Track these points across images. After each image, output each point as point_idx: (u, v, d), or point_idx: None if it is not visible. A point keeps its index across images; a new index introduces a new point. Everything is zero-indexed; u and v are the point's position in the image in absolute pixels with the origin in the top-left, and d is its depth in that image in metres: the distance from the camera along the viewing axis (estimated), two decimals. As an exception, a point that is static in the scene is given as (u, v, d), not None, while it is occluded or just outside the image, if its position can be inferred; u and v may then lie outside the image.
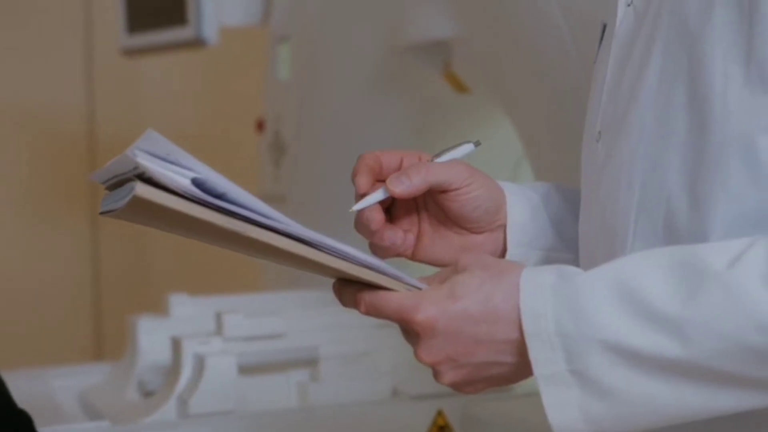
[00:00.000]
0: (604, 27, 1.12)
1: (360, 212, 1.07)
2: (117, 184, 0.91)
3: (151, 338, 1.82)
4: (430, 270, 1.06)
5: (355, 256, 0.96)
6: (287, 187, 2.27)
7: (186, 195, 0.89)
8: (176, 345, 1.69)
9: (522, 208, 1.12)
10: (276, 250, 0.93)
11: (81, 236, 3.42)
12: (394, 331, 1.76)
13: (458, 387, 0.97)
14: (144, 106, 3.42)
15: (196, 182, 0.89)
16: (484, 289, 0.94)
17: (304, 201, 2.22)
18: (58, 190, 3.38)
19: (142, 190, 0.87)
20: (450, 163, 1.07)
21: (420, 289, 0.97)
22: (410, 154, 1.09)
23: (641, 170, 0.98)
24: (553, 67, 1.62)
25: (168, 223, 0.93)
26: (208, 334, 1.73)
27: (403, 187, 1.05)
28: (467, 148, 1.10)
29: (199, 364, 1.66)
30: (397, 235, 1.09)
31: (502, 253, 1.12)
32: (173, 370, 1.69)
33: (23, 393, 1.70)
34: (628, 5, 1.05)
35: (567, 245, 1.14)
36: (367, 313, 0.97)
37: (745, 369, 0.89)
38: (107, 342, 3.42)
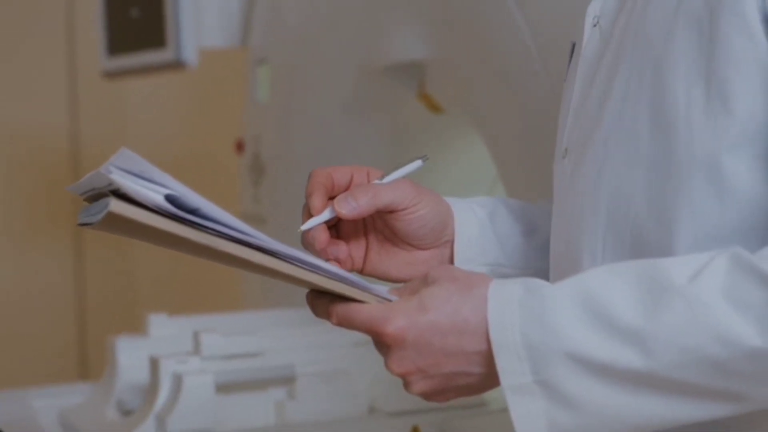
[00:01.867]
0: (573, 46, 1.14)
1: (306, 231, 1.09)
2: (95, 197, 0.94)
3: (130, 358, 1.83)
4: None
5: (326, 269, 0.99)
6: (267, 207, 2.28)
7: (160, 210, 0.91)
8: (154, 364, 1.70)
9: (469, 224, 1.15)
10: (250, 263, 0.96)
11: (65, 256, 3.43)
12: (370, 349, 1.78)
13: (428, 396, 1.00)
14: (127, 126, 3.43)
15: (169, 198, 0.91)
16: (453, 302, 0.96)
17: (283, 221, 2.23)
18: (42, 211, 3.39)
19: (116, 206, 0.89)
20: (397, 184, 1.09)
21: (390, 300, 0.99)
22: (360, 170, 1.11)
23: (607, 189, 1.01)
24: (523, 86, 1.64)
25: (144, 236, 0.95)
26: (186, 353, 1.74)
27: (349, 208, 1.07)
28: (416, 164, 1.12)
29: (177, 383, 1.67)
30: (341, 252, 1.11)
31: None
32: (151, 389, 1.70)
33: (4, 413, 1.72)
34: (594, 26, 1.08)
35: (511, 261, 1.17)
36: (339, 324, 1.00)
37: (705, 380, 0.91)
38: (92, 362, 3.43)
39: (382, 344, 0.98)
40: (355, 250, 1.13)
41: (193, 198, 0.92)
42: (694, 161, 0.95)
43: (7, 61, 3.34)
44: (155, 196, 0.91)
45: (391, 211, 1.09)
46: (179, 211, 0.92)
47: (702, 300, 0.90)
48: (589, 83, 1.06)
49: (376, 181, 1.10)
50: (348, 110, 2.09)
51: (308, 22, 2.16)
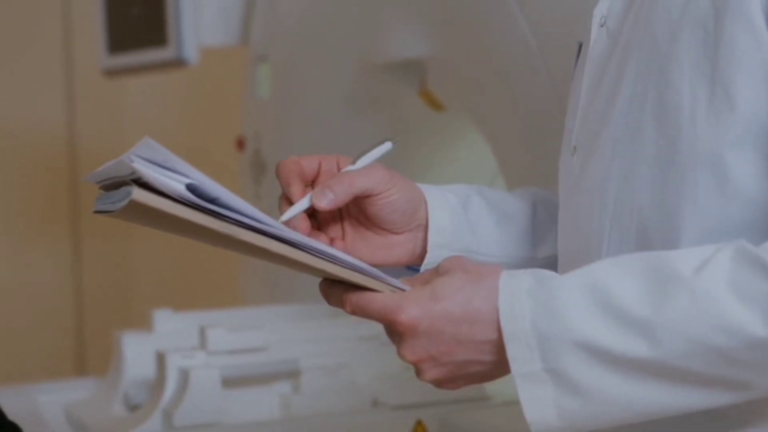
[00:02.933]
0: (580, 46, 1.16)
1: (287, 221, 1.09)
2: (112, 185, 0.95)
3: (136, 353, 1.85)
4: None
5: (341, 258, 1.01)
6: (268, 205, 2.30)
7: (180, 199, 0.93)
8: (161, 359, 1.72)
9: (442, 210, 1.15)
10: (266, 251, 0.98)
11: (62, 252, 3.44)
12: (374, 343, 1.81)
13: (439, 384, 1.02)
14: (124, 124, 3.44)
15: (190, 188, 0.93)
16: (465, 291, 0.98)
17: (284, 218, 2.25)
18: (40, 207, 3.40)
19: (138, 194, 0.91)
20: (370, 170, 1.10)
21: (404, 290, 1.01)
22: (328, 158, 1.12)
23: (614, 185, 1.03)
24: (523, 84, 1.66)
25: (163, 224, 0.97)
26: (191, 348, 1.76)
27: (327, 200, 1.07)
28: (385, 146, 1.12)
29: (184, 377, 1.69)
30: (322, 240, 1.11)
31: (422, 253, 1.15)
32: (158, 383, 1.72)
33: (10, 409, 1.73)
34: (601, 26, 1.10)
35: (485, 248, 1.17)
36: (353, 312, 1.02)
37: (711, 369, 0.93)
38: (90, 357, 3.44)
39: (395, 332, 1.00)
40: (333, 236, 1.13)
41: (213, 187, 0.94)
42: (698, 158, 0.98)
43: (4, 59, 3.35)
44: (177, 185, 0.92)
45: (366, 197, 1.10)
46: (199, 200, 0.93)
47: (707, 291, 0.92)
48: (597, 83, 1.08)
49: (349, 167, 1.10)
50: (349, 107, 2.10)
51: (308, 19, 2.18)
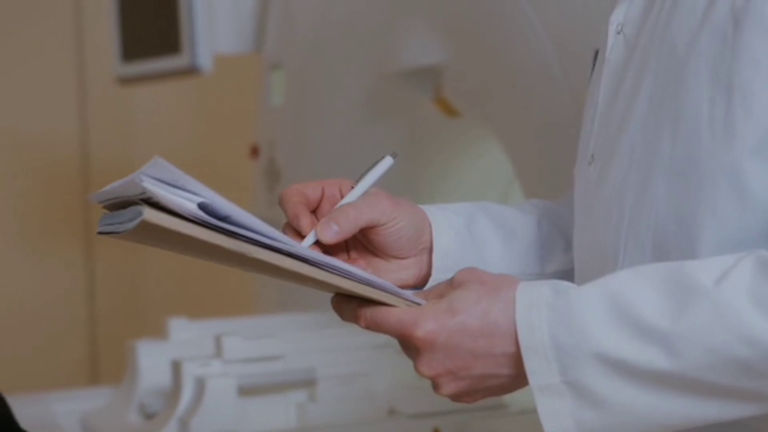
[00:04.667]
0: (596, 53, 1.16)
1: None
2: (117, 205, 0.94)
3: (151, 362, 1.85)
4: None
5: (356, 273, 1.00)
6: (282, 213, 2.29)
7: (192, 218, 0.92)
8: (176, 368, 1.72)
9: (446, 233, 1.15)
10: (280, 269, 0.97)
11: (75, 263, 3.44)
12: (390, 352, 1.81)
13: (457, 398, 1.01)
14: (137, 133, 3.44)
15: (202, 206, 0.92)
16: (482, 304, 0.97)
17: (298, 225, 2.24)
18: (53, 217, 3.40)
19: (150, 215, 0.90)
20: (374, 200, 1.08)
21: (419, 304, 1.00)
22: (331, 183, 1.11)
23: (630, 194, 1.03)
24: (541, 91, 1.66)
25: (173, 244, 0.96)
26: (207, 356, 1.76)
27: (332, 233, 1.06)
28: (386, 163, 1.11)
29: (200, 386, 1.69)
30: None
31: (426, 275, 1.14)
32: (174, 392, 1.72)
33: (25, 417, 1.73)
34: (618, 33, 1.09)
35: (490, 267, 1.16)
36: (368, 327, 1.01)
37: (731, 380, 0.93)
38: (103, 366, 3.44)
39: (412, 347, 0.99)
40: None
41: (224, 205, 0.93)
42: (716, 167, 0.97)
43: (17, 69, 3.35)
44: (188, 204, 0.92)
45: (371, 227, 1.09)
46: (212, 218, 0.93)
47: (728, 301, 0.91)
48: (614, 91, 1.07)
49: (350, 195, 1.09)
50: (363, 115, 2.10)
51: (322, 26, 2.18)
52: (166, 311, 2.22)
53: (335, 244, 1.11)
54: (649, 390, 0.94)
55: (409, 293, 1.01)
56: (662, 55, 1.02)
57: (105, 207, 0.97)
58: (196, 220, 0.92)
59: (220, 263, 1.00)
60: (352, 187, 1.10)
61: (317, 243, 1.09)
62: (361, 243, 1.12)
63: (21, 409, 1.76)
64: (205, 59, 2.30)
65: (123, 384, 1.90)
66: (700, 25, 0.99)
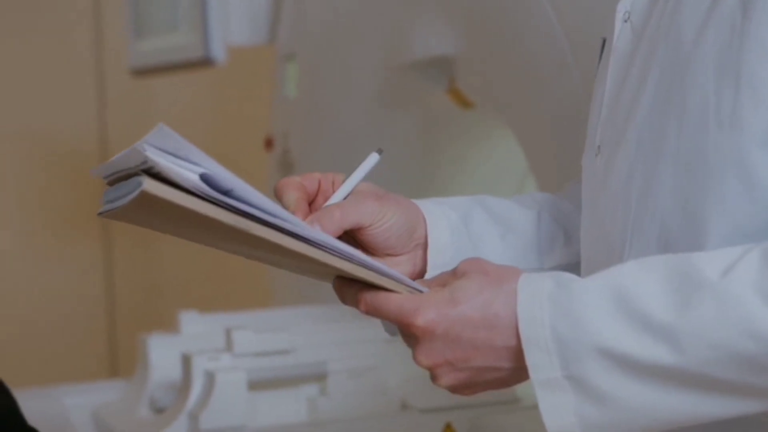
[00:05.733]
0: (604, 42, 1.13)
1: None
2: (119, 179, 0.91)
3: (162, 355, 1.84)
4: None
5: (359, 257, 0.98)
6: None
7: (193, 191, 0.88)
8: (186, 361, 1.70)
9: (441, 229, 1.12)
10: (280, 248, 0.93)
11: (94, 255, 3.44)
12: (401, 345, 1.78)
13: (455, 390, 0.99)
14: (156, 125, 3.44)
15: (203, 178, 0.88)
16: (484, 295, 0.95)
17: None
18: (71, 210, 3.41)
19: (150, 185, 0.86)
20: (359, 201, 1.06)
21: (421, 291, 0.98)
22: (326, 177, 1.09)
23: (636, 186, 1.00)
24: (554, 81, 1.64)
25: (169, 220, 0.92)
26: (217, 350, 1.74)
27: None
28: (372, 160, 1.09)
29: (209, 380, 1.67)
30: None
31: (421, 271, 1.12)
32: (183, 386, 1.71)
33: (36, 411, 1.72)
34: (625, 21, 1.07)
35: None
36: (367, 312, 0.99)
37: (738, 376, 0.90)
38: (122, 359, 3.45)
39: (411, 335, 0.98)
40: None
41: (227, 178, 0.89)
42: (723, 158, 0.94)
43: (36, 65, 3.36)
44: (190, 175, 0.88)
45: (357, 229, 1.07)
46: (213, 191, 0.89)
47: (734, 295, 0.89)
48: (621, 80, 1.05)
49: (336, 194, 1.07)
50: (376, 106, 2.08)
51: (335, 17, 2.16)
52: (186, 303, 2.22)
53: None
54: (654, 386, 0.92)
55: (411, 281, 0.99)
56: (669, 44, 0.99)
57: (108, 183, 0.93)
58: (197, 193, 0.88)
59: (217, 246, 0.97)
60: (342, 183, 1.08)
61: None
62: (352, 243, 1.10)
63: (33, 403, 1.76)
64: (218, 51, 2.29)
65: (134, 378, 1.90)
66: (707, 14, 0.97)
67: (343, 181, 1.08)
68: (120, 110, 3.43)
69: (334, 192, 1.08)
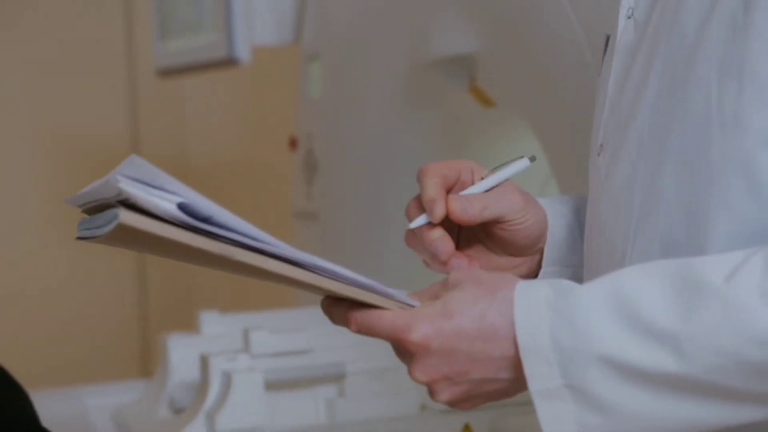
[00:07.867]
0: (608, 39, 1.11)
1: (430, 242, 1.04)
2: (96, 208, 0.90)
3: (182, 355, 1.84)
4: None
5: (345, 275, 0.95)
6: (319, 204, 2.28)
7: (172, 220, 0.88)
8: (204, 362, 1.70)
9: (559, 227, 1.12)
10: (265, 272, 0.93)
11: (127, 257, 3.45)
12: (420, 346, 1.78)
13: (455, 404, 0.97)
14: (186, 128, 3.45)
15: (181, 207, 0.88)
16: (479, 306, 0.93)
17: (336, 218, 2.23)
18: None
19: (126, 217, 0.86)
20: (506, 193, 1.06)
21: (412, 306, 0.96)
22: (466, 167, 1.07)
23: (639, 187, 0.98)
24: (574, 80, 1.62)
25: (154, 248, 0.92)
26: (236, 350, 1.74)
27: (461, 210, 1.03)
28: (522, 164, 1.09)
29: (227, 380, 1.67)
30: (463, 262, 1.06)
31: (535, 272, 1.11)
32: (201, 387, 1.70)
33: (57, 411, 1.73)
34: (629, 17, 1.05)
35: None
36: (359, 331, 0.97)
37: (742, 383, 0.88)
38: (154, 360, 3.46)
39: (406, 352, 0.96)
40: (472, 259, 1.09)
41: (206, 205, 0.89)
42: (727, 159, 0.92)
43: (67, 68, 3.37)
44: (167, 205, 0.87)
45: (498, 222, 1.06)
46: (192, 219, 0.88)
47: (738, 300, 0.87)
48: (624, 77, 1.03)
49: (477, 185, 1.06)
50: (399, 105, 2.08)
51: (358, 16, 2.16)
52: (218, 304, 2.22)
53: (447, 227, 1.07)
54: (657, 394, 0.90)
55: (402, 294, 0.97)
56: (672, 40, 0.97)
57: (84, 211, 0.93)
58: (176, 221, 0.88)
59: (206, 266, 0.96)
60: (482, 178, 1.07)
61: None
62: (477, 235, 1.09)
63: (54, 404, 1.77)
64: (243, 50, 2.29)
65: (154, 378, 1.90)
66: (710, 8, 0.94)
67: (485, 176, 1.07)
68: (152, 112, 3.44)
69: (473, 183, 1.06)
